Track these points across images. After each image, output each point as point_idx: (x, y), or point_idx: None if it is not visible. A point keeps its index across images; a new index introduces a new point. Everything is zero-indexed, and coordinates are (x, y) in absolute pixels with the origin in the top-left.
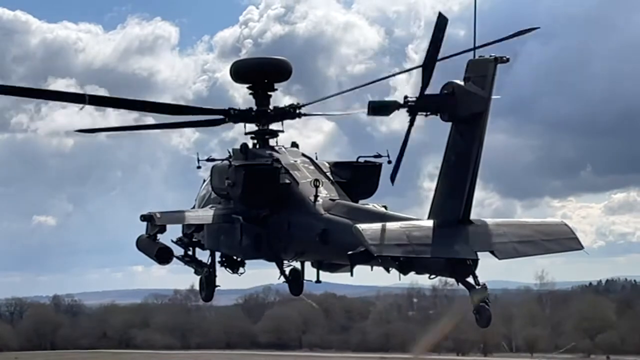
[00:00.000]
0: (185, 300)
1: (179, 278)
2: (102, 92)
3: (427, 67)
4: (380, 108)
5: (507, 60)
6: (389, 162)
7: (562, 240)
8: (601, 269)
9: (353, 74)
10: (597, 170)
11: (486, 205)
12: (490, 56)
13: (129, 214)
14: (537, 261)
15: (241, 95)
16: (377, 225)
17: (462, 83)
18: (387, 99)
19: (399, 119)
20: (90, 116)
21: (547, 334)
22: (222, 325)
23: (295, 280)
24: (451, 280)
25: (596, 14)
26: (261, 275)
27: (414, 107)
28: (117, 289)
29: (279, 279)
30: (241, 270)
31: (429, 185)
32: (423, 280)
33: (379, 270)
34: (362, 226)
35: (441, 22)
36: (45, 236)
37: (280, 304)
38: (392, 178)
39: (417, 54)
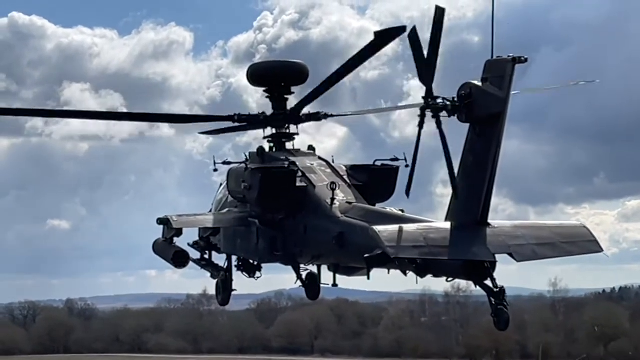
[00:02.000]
0: (197, 305)
1: (191, 283)
2: (116, 96)
3: (429, 64)
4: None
5: (526, 60)
6: (407, 165)
7: (582, 242)
8: (615, 276)
9: (367, 79)
10: (611, 177)
11: (500, 211)
12: (509, 56)
13: (143, 219)
14: (551, 268)
15: (255, 101)
16: (394, 227)
17: (479, 83)
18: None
19: (413, 123)
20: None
21: (560, 341)
22: (235, 330)
23: (312, 284)
24: (464, 287)
25: (610, 21)
26: (274, 280)
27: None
28: (130, 293)
29: (295, 283)
30: (258, 274)
31: (442, 192)
32: (436, 287)
33: (391, 276)
34: (379, 228)
35: (439, 14)
36: (59, 240)
37: (292, 309)
38: (407, 191)
39: None
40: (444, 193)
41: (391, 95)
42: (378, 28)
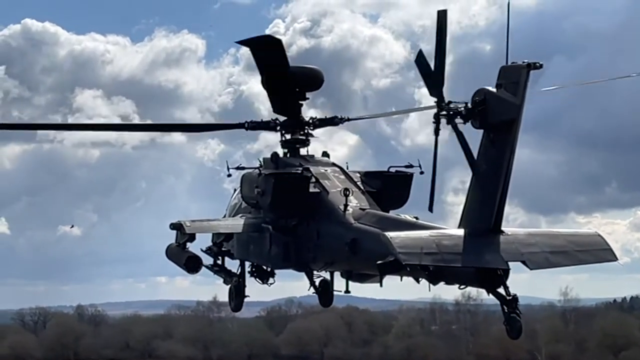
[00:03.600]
0: (207, 312)
1: (201, 289)
2: (128, 103)
3: (438, 69)
4: None
5: (541, 66)
6: (421, 172)
7: (596, 251)
8: (626, 285)
9: (378, 87)
10: (623, 186)
11: (510, 220)
12: (523, 62)
13: (153, 225)
14: (562, 277)
15: (266, 108)
16: (406, 234)
17: (493, 90)
18: None
19: (425, 132)
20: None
21: (571, 350)
22: (244, 337)
23: (324, 291)
24: (474, 295)
25: (623, 30)
26: (284, 287)
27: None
28: (141, 299)
29: (308, 289)
30: (271, 280)
31: (453, 200)
32: (446, 295)
33: (401, 284)
34: (391, 234)
35: (442, 17)
36: (70, 246)
37: (302, 316)
38: (430, 206)
39: None
40: (456, 201)
41: (403, 102)
42: (389, 36)
